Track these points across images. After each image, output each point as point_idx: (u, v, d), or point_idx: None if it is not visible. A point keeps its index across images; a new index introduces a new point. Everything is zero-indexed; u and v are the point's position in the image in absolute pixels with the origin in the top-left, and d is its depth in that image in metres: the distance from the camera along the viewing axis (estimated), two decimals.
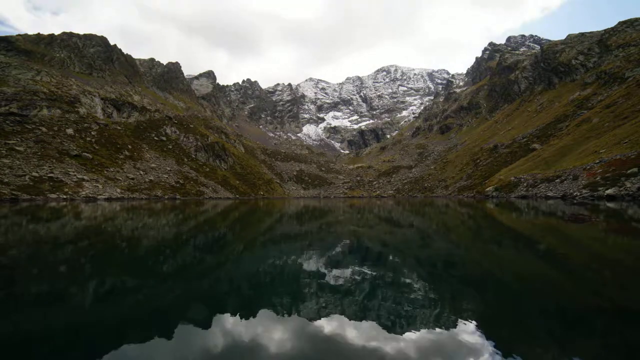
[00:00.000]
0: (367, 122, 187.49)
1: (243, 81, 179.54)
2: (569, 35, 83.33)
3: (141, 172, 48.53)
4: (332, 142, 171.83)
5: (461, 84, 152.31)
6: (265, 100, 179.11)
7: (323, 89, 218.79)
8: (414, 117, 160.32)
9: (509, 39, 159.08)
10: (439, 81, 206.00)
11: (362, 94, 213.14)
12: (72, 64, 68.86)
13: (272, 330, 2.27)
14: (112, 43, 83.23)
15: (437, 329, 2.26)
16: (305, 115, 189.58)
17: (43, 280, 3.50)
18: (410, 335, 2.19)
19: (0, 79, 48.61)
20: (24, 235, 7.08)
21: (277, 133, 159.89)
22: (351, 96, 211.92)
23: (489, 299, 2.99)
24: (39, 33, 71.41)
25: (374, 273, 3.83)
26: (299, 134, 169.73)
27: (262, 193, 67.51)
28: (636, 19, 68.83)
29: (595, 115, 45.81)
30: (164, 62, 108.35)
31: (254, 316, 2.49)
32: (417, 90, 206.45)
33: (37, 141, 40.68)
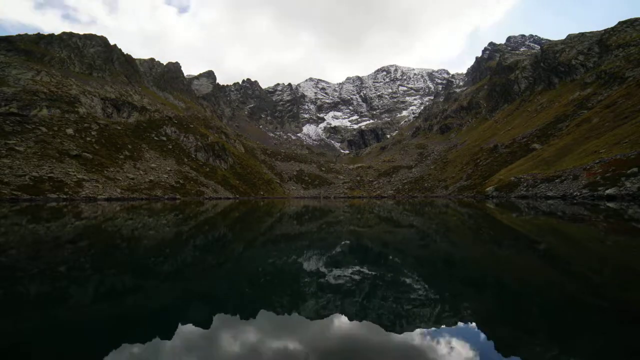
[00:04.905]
0: (367, 122, 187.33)
1: (243, 81, 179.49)
2: (569, 35, 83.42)
3: (141, 172, 48.53)
4: (332, 142, 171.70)
5: (461, 84, 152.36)
6: (265, 100, 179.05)
7: (323, 88, 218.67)
8: (414, 117, 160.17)
9: (509, 39, 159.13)
10: (439, 81, 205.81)
11: (362, 93, 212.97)
12: (72, 64, 68.85)
13: (272, 330, 2.27)
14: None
15: (437, 329, 2.26)
16: (305, 115, 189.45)
17: (43, 280, 3.49)
18: (410, 335, 2.20)
19: (0, 79, 48.62)
20: (24, 235, 7.08)
21: (277, 133, 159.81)
22: (351, 96, 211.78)
23: (489, 299, 3.00)
24: (38, 33, 71.42)
25: (374, 273, 3.83)
26: (299, 134, 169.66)
27: (262, 193, 67.50)
28: (636, 19, 68.80)
29: (595, 115, 45.78)
30: (164, 62, 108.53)
31: (254, 316, 2.49)
32: (417, 90, 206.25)
33: (37, 141, 40.68)
